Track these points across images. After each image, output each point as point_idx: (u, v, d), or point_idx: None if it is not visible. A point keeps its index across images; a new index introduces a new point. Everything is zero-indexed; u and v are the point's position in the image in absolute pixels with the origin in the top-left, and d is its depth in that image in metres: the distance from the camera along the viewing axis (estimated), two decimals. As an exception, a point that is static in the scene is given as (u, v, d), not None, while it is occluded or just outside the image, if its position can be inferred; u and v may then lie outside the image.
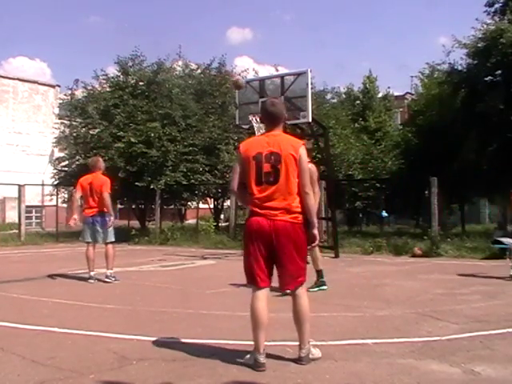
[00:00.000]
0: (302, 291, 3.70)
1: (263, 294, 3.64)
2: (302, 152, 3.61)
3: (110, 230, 7.89)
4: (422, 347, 4.07)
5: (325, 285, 6.81)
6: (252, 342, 3.68)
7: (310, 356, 3.68)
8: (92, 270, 7.82)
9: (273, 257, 3.60)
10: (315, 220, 3.64)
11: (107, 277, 7.72)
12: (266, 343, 4.15)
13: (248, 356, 3.65)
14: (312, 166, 6.17)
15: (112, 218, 7.91)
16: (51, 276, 8.35)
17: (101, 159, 8.52)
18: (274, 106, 3.79)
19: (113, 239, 7.91)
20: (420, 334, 4.48)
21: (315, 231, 3.64)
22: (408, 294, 6.61)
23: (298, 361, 3.65)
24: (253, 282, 3.64)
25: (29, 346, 4.15)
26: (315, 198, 5.54)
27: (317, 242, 3.70)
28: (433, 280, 8.01)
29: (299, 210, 3.59)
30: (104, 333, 4.51)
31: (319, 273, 6.80)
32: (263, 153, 3.59)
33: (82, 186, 8.01)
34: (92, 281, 7.69)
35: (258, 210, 3.59)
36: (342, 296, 6.53)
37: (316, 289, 6.62)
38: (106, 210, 7.82)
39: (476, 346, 4.10)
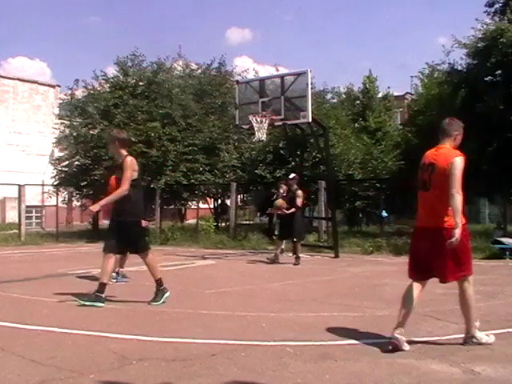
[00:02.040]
0: (463, 283, 4.21)
1: (414, 284, 4.41)
2: (455, 160, 4.12)
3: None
4: (422, 347, 4.07)
5: (166, 291, 5.97)
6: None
7: (474, 340, 4.08)
8: (121, 267, 7.79)
9: (430, 256, 4.16)
10: (458, 220, 3.97)
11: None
12: (265, 343, 4.18)
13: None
14: (132, 160, 5.85)
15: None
16: (51, 276, 8.34)
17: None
18: (446, 123, 4.50)
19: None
20: (420, 334, 4.48)
21: (457, 231, 3.93)
22: (408, 294, 6.59)
23: (463, 343, 4.12)
24: (408, 273, 4.45)
25: (29, 346, 4.15)
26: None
27: (454, 239, 3.93)
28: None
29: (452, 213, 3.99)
30: (104, 333, 4.51)
31: (158, 282, 6.02)
32: (426, 163, 4.19)
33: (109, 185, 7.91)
34: (113, 280, 7.54)
35: (419, 215, 4.22)
36: (342, 296, 6.53)
37: (161, 301, 5.86)
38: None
39: (476, 346, 4.10)
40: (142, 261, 6.07)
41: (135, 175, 5.90)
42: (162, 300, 5.90)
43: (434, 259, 4.15)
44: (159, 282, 6.02)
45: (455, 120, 4.52)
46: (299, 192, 10.36)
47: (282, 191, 10.77)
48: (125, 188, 5.77)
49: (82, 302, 5.69)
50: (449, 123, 4.41)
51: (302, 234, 11.03)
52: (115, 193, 5.88)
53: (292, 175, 10.74)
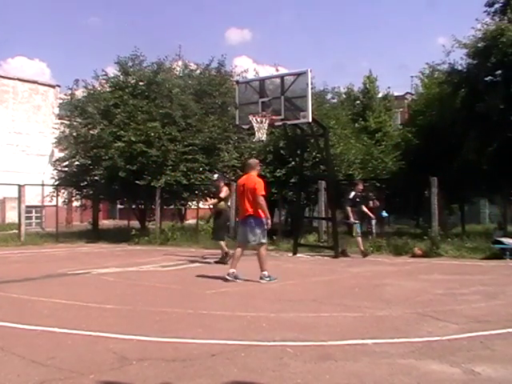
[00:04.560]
0: None
1: None
2: None
3: (262, 232, 7.73)
4: (422, 347, 4.07)
5: None
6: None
7: None
8: (233, 267, 7.72)
9: None
10: None
11: (261, 278, 7.62)
12: (265, 343, 4.18)
13: None
14: None
15: (268, 221, 7.76)
16: (51, 276, 8.34)
17: (259, 162, 8.55)
18: None
19: (263, 241, 7.79)
20: (420, 334, 4.48)
21: None
22: (408, 294, 6.61)
23: None
24: None
25: (29, 346, 4.15)
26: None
27: None
28: (433, 280, 8.01)
29: None
30: (104, 333, 4.51)
31: None
32: None
33: (237, 188, 8.16)
34: (229, 278, 7.58)
35: None
36: (342, 296, 6.53)
37: None
38: (259, 212, 7.66)
39: (476, 346, 4.10)
40: None
41: None
42: None
43: None
44: None
45: None
46: (224, 188, 10.73)
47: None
48: None
49: None
50: None
51: (224, 233, 11.19)
52: None
53: (215, 176, 11.32)
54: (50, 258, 11.97)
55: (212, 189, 10.99)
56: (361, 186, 12.15)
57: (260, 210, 7.64)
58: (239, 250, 7.86)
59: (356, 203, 11.95)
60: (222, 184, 10.90)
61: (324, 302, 6.08)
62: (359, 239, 11.68)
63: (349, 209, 11.72)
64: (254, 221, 7.66)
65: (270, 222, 7.88)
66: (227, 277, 7.61)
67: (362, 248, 11.56)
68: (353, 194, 11.93)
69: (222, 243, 10.50)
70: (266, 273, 7.68)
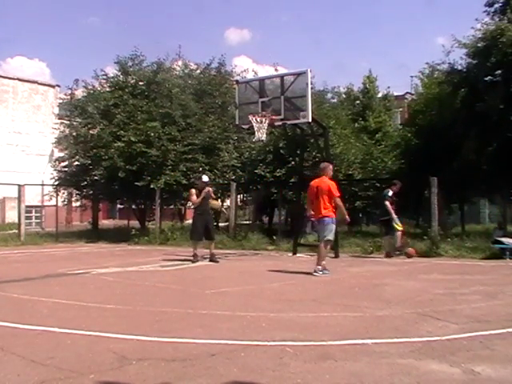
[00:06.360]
0: None
1: None
2: None
3: (332, 230, 8.63)
4: (422, 347, 4.06)
5: None
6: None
7: None
8: (320, 264, 8.53)
9: None
10: None
11: (314, 271, 8.42)
12: (265, 343, 4.18)
13: None
14: None
15: (346, 217, 9.20)
16: (51, 276, 8.34)
17: (331, 166, 9.15)
18: None
19: (330, 238, 8.67)
20: (420, 334, 4.47)
21: None
22: (408, 294, 6.60)
23: None
24: None
25: (29, 346, 4.15)
26: None
27: None
28: (433, 280, 8.01)
29: None
30: (104, 333, 4.51)
31: None
32: None
33: (310, 189, 8.71)
34: (317, 274, 8.36)
35: None
36: (342, 296, 6.53)
37: None
38: (331, 212, 8.57)
39: (476, 346, 4.10)
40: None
41: None
42: None
43: None
44: None
45: None
46: (208, 188, 10.94)
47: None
48: None
49: None
50: None
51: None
52: None
53: (206, 177, 11.21)
54: (50, 258, 11.97)
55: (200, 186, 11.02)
56: (397, 188, 11.90)
57: (331, 210, 8.56)
58: (322, 247, 8.64)
59: (393, 201, 11.82)
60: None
61: (324, 302, 6.08)
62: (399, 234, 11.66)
63: (388, 203, 11.56)
64: (328, 220, 8.57)
65: (348, 218, 9.36)
66: (315, 274, 8.33)
67: (399, 244, 11.62)
68: (391, 192, 11.78)
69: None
70: (319, 267, 8.43)
